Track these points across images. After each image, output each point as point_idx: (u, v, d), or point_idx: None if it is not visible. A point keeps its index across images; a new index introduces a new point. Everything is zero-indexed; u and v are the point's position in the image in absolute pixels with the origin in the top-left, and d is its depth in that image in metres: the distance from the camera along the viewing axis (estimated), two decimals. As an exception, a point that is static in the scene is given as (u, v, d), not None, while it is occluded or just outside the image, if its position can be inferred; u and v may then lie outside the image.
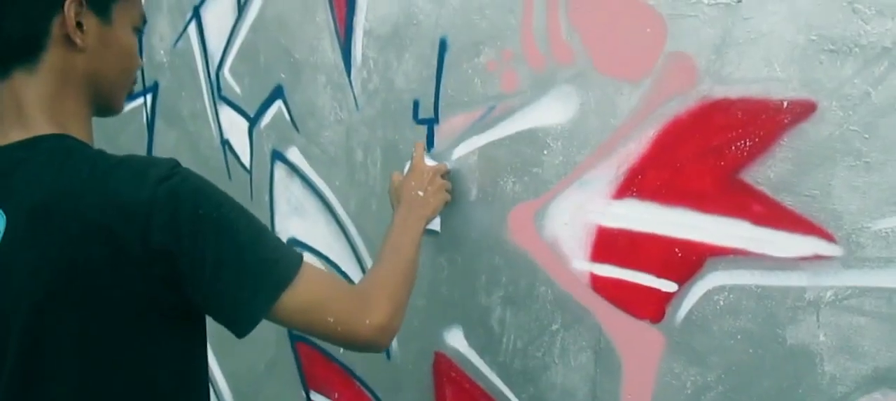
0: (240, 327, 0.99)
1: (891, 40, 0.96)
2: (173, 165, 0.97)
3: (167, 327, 1.00)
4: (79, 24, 0.98)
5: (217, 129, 2.15)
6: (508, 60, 1.37)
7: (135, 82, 1.12)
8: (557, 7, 1.28)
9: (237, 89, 2.03)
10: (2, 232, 0.94)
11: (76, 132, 1.01)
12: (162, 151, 2.38)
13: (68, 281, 0.92)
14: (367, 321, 1.04)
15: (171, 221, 0.92)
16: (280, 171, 1.96)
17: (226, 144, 2.13)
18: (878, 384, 1.03)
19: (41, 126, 0.99)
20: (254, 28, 1.92)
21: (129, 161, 0.96)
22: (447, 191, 1.45)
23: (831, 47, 1.01)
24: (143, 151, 2.45)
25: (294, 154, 1.90)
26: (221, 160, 2.15)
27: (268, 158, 1.98)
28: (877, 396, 1.04)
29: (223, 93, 2.09)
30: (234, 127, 2.08)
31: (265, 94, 1.94)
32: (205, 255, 0.94)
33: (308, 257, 1.15)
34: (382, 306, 1.06)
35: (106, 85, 1.05)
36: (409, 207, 1.35)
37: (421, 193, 1.38)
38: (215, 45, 2.08)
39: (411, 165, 1.46)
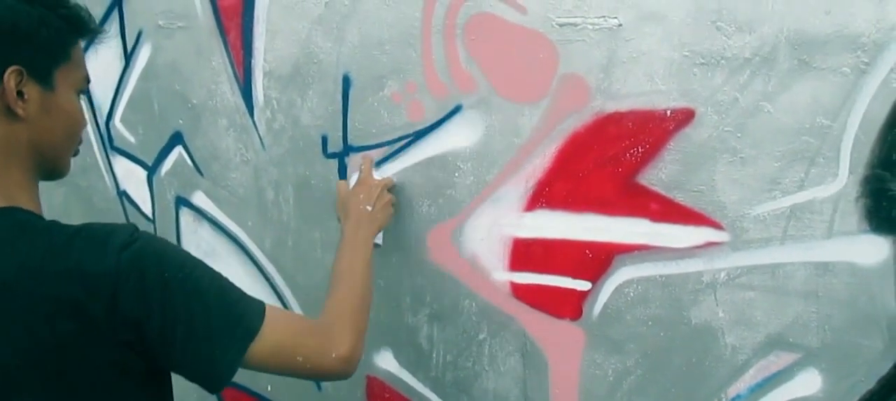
0: (214, 383, 1.01)
1: (750, 51, 1.11)
2: (132, 230, 0.98)
3: (136, 390, 1.00)
4: (20, 94, 0.95)
5: (112, 180, 2.09)
6: (413, 92, 1.44)
7: (80, 143, 1.09)
8: (455, 39, 1.36)
9: (131, 139, 1.99)
10: None
11: (25, 203, 0.98)
12: (50, 209, 2.25)
13: (36, 359, 0.92)
14: (333, 355, 1.10)
15: (138, 290, 0.93)
16: (186, 216, 1.94)
17: (123, 194, 2.08)
18: (772, 347, 1.19)
19: None
20: (144, 76, 1.89)
21: (87, 230, 0.96)
22: (392, 204, 1.47)
23: (702, 61, 1.15)
24: (27, 211, 2.33)
25: (200, 198, 1.89)
26: (119, 212, 2.10)
27: (172, 205, 1.96)
28: (772, 357, 1.19)
29: (115, 143, 2.04)
30: (131, 176, 2.03)
31: (163, 142, 1.91)
32: (176, 318, 0.96)
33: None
34: (345, 338, 1.12)
35: (50, 151, 1.02)
36: (357, 222, 1.37)
37: (369, 208, 1.39)
38: (102, 95, 2.02)
39: (359, 177, 1.47)
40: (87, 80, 1.07)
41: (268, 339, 1.02)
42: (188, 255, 1.03)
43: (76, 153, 1.08)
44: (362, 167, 1.49)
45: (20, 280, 0.91)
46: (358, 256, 1.31)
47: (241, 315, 1.02)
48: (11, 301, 0.91)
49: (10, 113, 0.95)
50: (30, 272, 0.91)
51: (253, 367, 1.03)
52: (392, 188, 1.50)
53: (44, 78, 0.98)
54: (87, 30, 1.05)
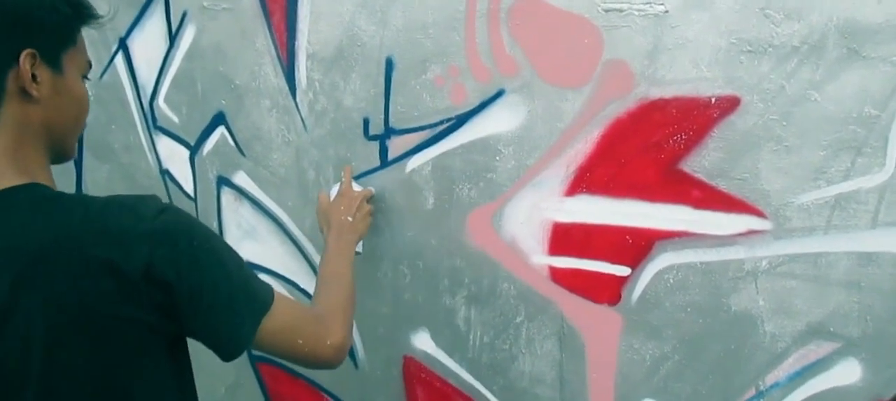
0: (230, 350, 1.07)
1: (798, 39, 1.11)
2: (158, 200, 1.04)
3: (164, 352, 1.06)
4: (33, 77, 1.01)
5: (155, 159, 2.13)
6: (455, 75, 1.46)
7: (84, 128, 1.15)
8: (499, 23, 1.37)
9: (174, 119, 2.03)
10: None
11: (43, 180, 1.04)
12: (93, 185, 2.33)
13: (81, 317, 0.97)
14: (329, 342, 1.16)
15: (170, 255, 0.99)
16: (227, 196, 1.98)
17: (165, 173, 2.12)
18: (812, 337, 1.20)
19: (10, 177, 1.01)
20: (189, 56, 1.92)
21: (118, 200, 1.02)
22: (371, 214, 1.57)
23: (749, 48, 1.15)
24: (71, 187, 2.39)
25: (241, 178, 1.92)
26: (162, 190, 2.14)
27: (213, 185, 2.00)
28: (811, 346, 1.20)
29: (159, 123, 2.08)
30: (174, 156, 2.07)
31: (206, 122, 1.94)
32: (202, 284, 1.02)
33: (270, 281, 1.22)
34: (338, 328, 1.19)
35: (60, 133, 1.08)
36: (339, 231, 1.46)
37: (350, 219, 1.49)
38: (146, 75, 2.06)
39: (339, 189, 1.57)
40: (90, 65, 1.13)
41: (277, 316, 1.09)
42: (211, 230, 1.10)
43: (80, 140, 1.12)
44: (343, 179, 1.58)
45: (60, 245, 0.96)
46: (343, 262, 1.39)
47: (257, 290, 1.09)
48: (53, 265, 0.96)
49: (25, 94, 1.01)
50: (69, 238, 0.97)
51: (260, 344, 1.09)
52: (371, 199, 1.59)
53: (53, 61, 1.04)
54: (90, 17, 1.10)
